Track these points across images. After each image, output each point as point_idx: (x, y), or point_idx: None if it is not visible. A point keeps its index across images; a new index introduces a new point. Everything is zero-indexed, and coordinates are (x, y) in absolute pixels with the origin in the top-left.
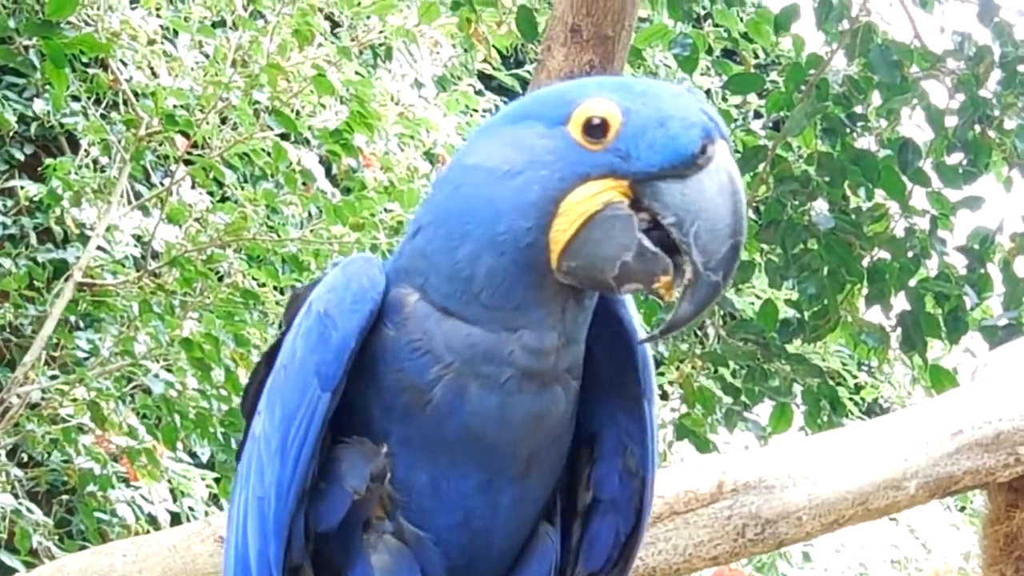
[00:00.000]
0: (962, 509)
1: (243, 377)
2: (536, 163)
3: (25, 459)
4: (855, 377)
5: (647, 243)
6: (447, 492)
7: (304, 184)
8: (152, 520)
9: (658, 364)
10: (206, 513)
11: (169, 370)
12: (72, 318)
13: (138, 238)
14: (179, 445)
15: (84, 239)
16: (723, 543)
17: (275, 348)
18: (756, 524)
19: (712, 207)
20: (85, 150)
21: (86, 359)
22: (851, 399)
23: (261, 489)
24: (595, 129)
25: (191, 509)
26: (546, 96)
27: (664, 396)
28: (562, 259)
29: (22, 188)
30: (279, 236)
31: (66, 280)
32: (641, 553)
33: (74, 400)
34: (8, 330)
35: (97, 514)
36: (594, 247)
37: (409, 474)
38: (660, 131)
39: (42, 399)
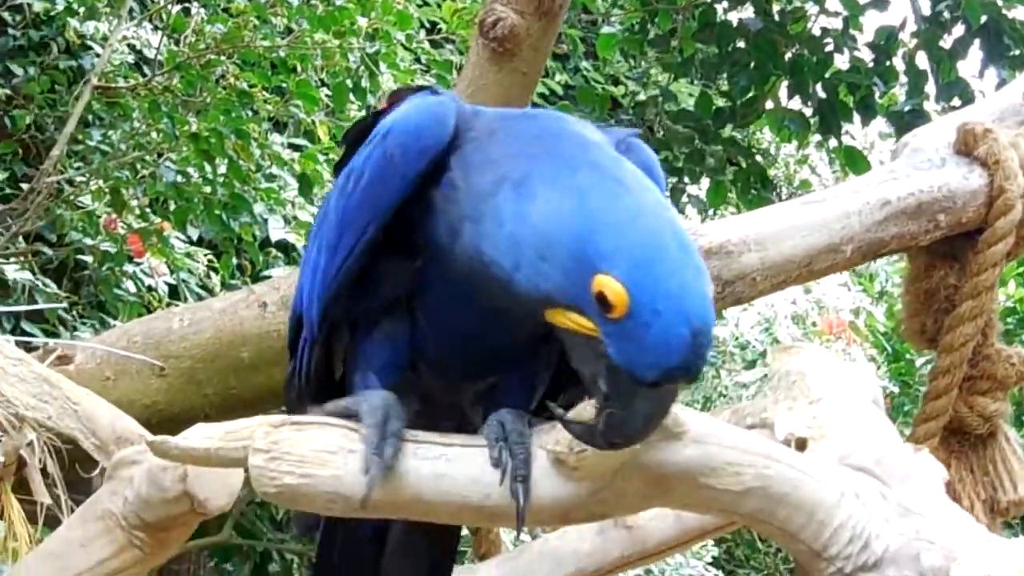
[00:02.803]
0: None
1: (243, 166)
2: (564, 269)
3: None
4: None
5: (611, 374)
6: (449, 309)
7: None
8: (152, 291)
9: None
10: (202, 285)
11: (174, 162)
12: (89, 117)
13: (132, 47)
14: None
15: (85, 48)
16: None
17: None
18: (717, 284)
19: (632, 417)
20: None
21: (104, 154)
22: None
23: (319, 259)
24: (605, 303)
25: (185, 282)
26: (595, 227)
27: None
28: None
29: (28, 4)
30: (270, 43)
31: (85, 84)
32: None
33: (93, 190)
34: (35, 128)
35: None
36: (574, 348)
37: (425, 285)
38: (637, 348)
39: (69, 186)
